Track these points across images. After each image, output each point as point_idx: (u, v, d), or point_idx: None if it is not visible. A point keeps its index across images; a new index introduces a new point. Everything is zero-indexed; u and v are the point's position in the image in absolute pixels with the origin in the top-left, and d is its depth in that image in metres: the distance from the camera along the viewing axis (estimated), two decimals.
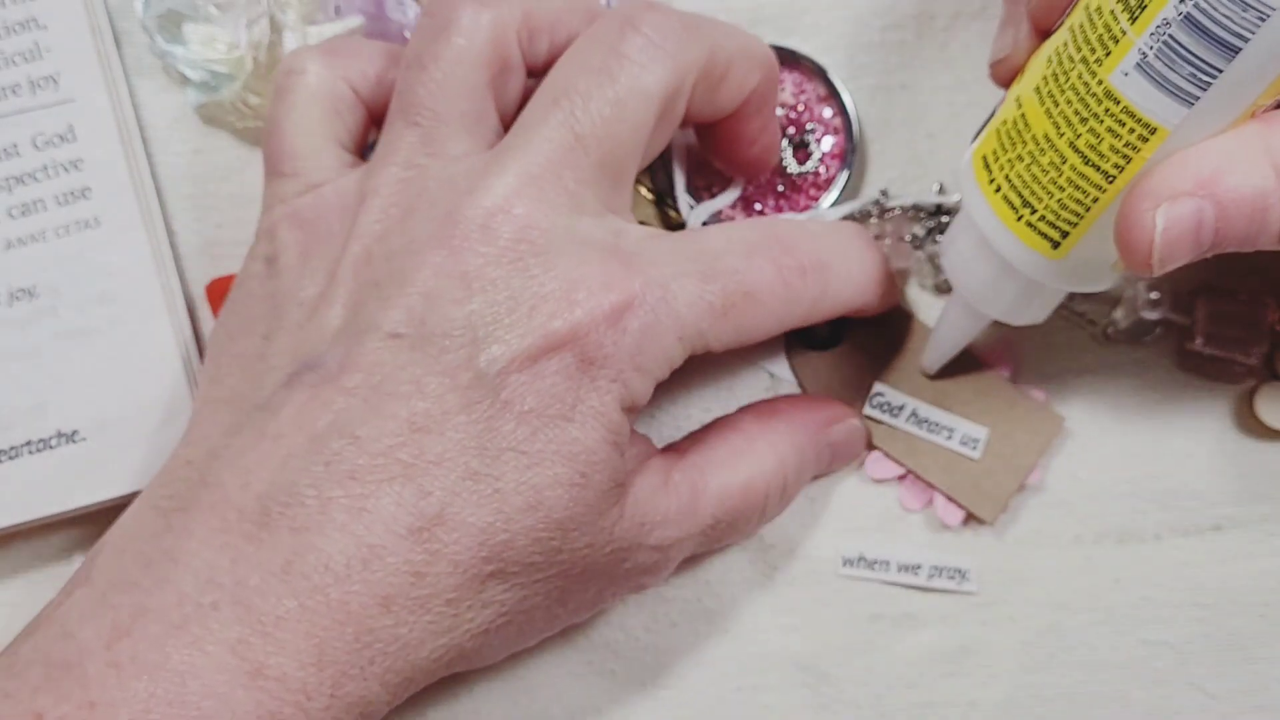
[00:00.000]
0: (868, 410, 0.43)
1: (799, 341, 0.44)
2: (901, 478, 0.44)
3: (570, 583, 0.35)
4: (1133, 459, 0.43)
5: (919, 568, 0.43)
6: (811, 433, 0.41)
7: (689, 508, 0.37)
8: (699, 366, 0.44)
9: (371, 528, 0.32)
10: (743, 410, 0.42)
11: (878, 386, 0.43)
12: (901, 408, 0.43)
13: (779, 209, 0.44)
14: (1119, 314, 0.44)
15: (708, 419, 0.43)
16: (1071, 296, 0.44)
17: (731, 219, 0.44)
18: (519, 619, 0.35)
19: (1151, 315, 0.44)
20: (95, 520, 0.43)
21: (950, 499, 0.43)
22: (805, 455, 0.41)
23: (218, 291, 0.44)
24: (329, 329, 0.34)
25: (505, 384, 0.33)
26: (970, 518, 0.43)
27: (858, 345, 0.44)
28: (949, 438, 0.43)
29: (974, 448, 0.43)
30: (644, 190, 0.44)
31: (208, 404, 0.36)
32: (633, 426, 0.36)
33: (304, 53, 0.39)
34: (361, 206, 0.36)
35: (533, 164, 0.34)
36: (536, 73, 0.38)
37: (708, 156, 0.43)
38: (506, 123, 0.37)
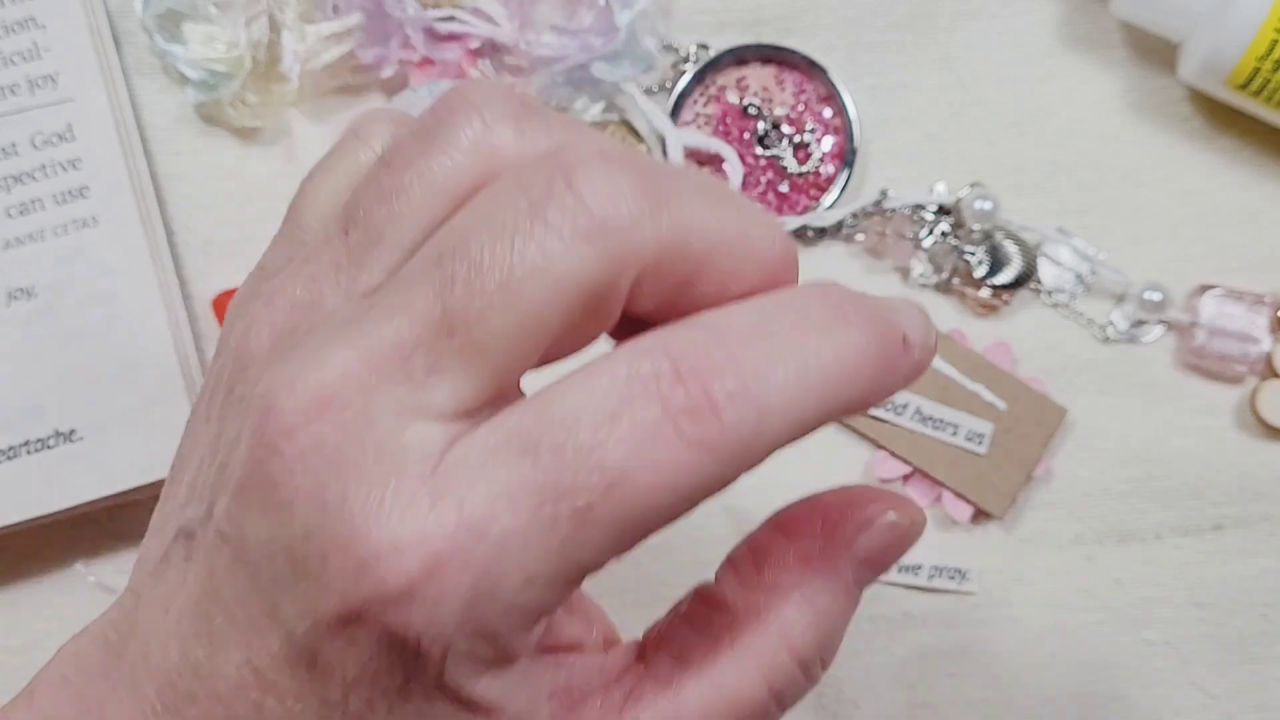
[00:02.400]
0: (870, 410, 0.43)
1: None
2: (907, 476, 0.44)
3: None
4: (1133, 459, 0.43)
5: (919, 568, 0.43)
6: (831, 564, 0.28)
7: None
8: None
9: None
10: (734, 557, 0.29)
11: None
12: (905, 406, 0.43)
13: (779, 209, 0.44)
14: (1119, 313, 0.44)
15: None
16: (1072, 296, 0.44)
17: None
18: None
19: (1151, 315, 0.44)
20: (94, 520, 0.43)
21: (959, 495, 0.43)
22: (829, 609, 0.28)
23: (223, 305, 0.44)
24: (203, 475, 0.28)
25: (316, 648, 0.26)
26: (979, 513, 0.43)
27: None
28: (954, 434, 0.43)
29: (980, 443, 0.43)
30: None
31: (160, 512, 0.30)
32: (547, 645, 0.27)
33: (379, 114, 0.31)
34: (249, 310, 0.28)
35: (382, 340, 0.25)
36: None
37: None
38: None
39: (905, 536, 0.29)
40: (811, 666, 0.28)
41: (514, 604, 0.25)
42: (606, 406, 0.24)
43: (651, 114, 0.44)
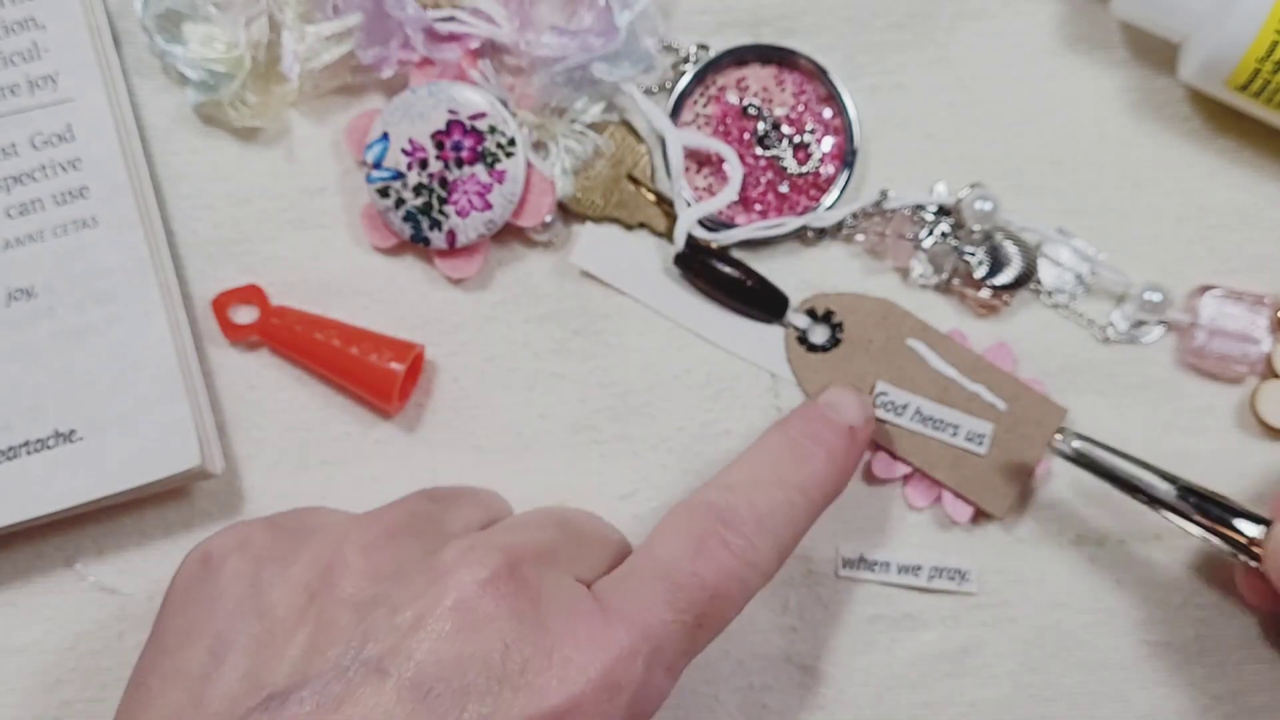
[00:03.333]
0: (874, 410, 0.43)
1: (799, 344, 0.44)
2: (907, 477, 0.44)
3: None
4: None
5: (919, 568, 0.43)
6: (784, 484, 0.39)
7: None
8: (701, 367, 0.44)
9: None
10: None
11: (880, 386, 0.43)
12: (905, 406, 0.43)
13: (779, 210, 0.44)
14: (1119, 314, 0.44)
15: (711, 426, 0.43)
16: (1072, 296, 0.44)
17: (730, 219, 0.44)
18: None
19: (1151, 316, 0.44)
20: (94, 519, 0.43)
21: (959, 496, 0.43)
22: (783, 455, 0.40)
23: (224, 305, 0.44)
24: (304, 657, 0.33)
25: None
26: (979, 514, 0.43)
27: (856, 344, 0.44)
28: (954, 434, 0.43)
29: (980, 443, 0.43)
30: (644, 190, 0.44)
31: None
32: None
33: None
34: (354, 523, 0.36)
35: (540, 539, 0.36)
36: None
37: None
38: None
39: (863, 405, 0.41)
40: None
41: (658, 690, 0.35)
42: (691, 548, 0.36)
43: (651, 114, 0.44)
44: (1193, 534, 0.39)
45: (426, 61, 0.43)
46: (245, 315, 0.44)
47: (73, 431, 0.41)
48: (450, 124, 0.43)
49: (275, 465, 0.44)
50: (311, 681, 0.32)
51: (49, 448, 0.41)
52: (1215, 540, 0.39)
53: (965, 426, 0.43)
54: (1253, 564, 0.39)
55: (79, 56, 0.43)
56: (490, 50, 0.44)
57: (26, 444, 0.41)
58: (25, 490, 0.41)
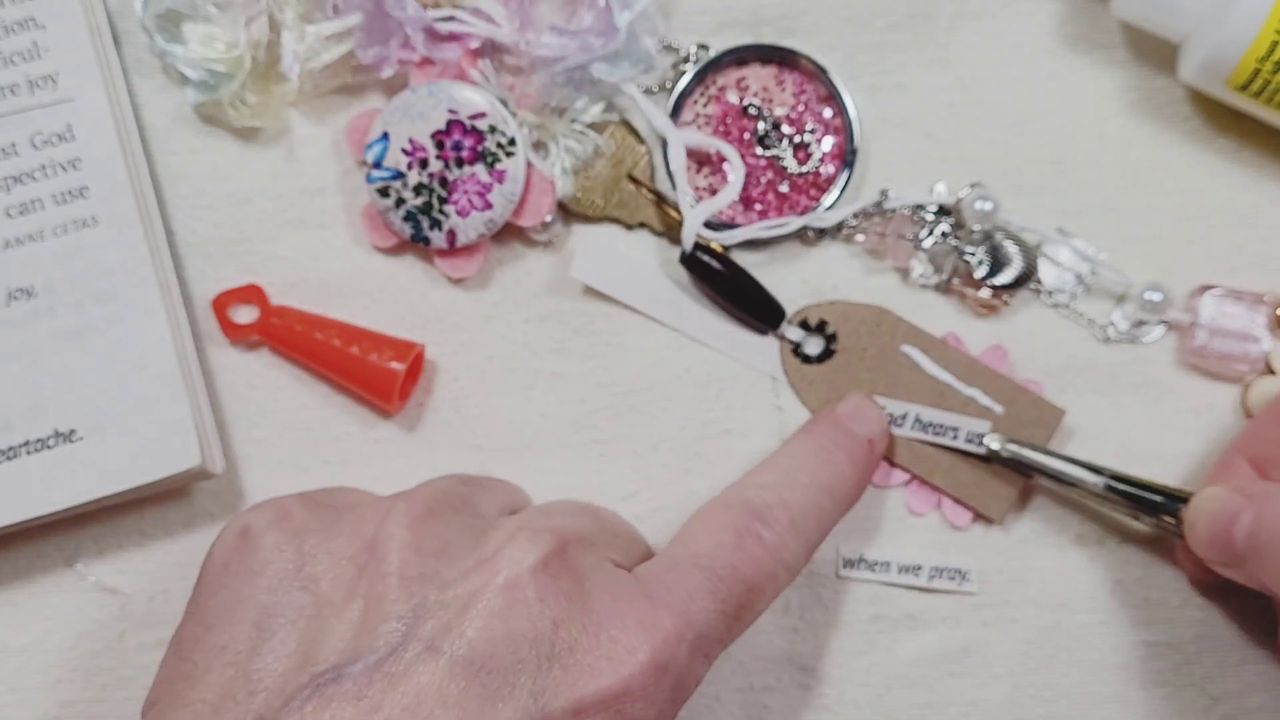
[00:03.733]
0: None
1: (794, 356, 0.44)
2: (906, 484, 0.44)
3: None
4: (1133, 459, 0.43)
5: (920, 569, 0.43)
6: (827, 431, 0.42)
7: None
8: (701, 367, 0.44)
9: None
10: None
11: (879, 401, 0.43)
12: (904, 416, 0.43)
13: (779, 209, 0.44)
14: (1119, 314, 0.44)
15: (711, 426, 0.43)
16: (1072, 296, 0.44)
17: (731, 219, 0.44)
18: None
19: (1152, 316, 0.44)
20: (94, 519, 0.43)
21: (958, 501, 0.43)
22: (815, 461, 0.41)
23: (224, 306, 0.44)
24: (357, 632, 0.33)
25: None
26: (978, 517, 0.43)
27: (851, 353, 0.44)
28: (954, 438, 0.43)
29: (978, 443, 0.43)
30: (645, 191, 0.44)
31: (185, 706, 0.33)
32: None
33: None
34: (395, 500, 0.36)
35: (579, 524, 0.37)
36: None
37: None
38: None
39: (877, 417, 0.43)
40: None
41: (696, 676, 0.36)
42: (730, 540, 0.37)
43: (652, 114, 0.44)
44: (1134, 522, 0.42)
45: (426, 61, 0.43)
46: (245, 315, 0.44)
47: (73, 431, 0.41)
48: (450, 124, 0.43)
49: (276, 465, 0.44)
50: (363, 658, 0.32)
51: (49, 448, 0.41)
52: (1150, 521, 0.41)
53: (964, 428, 0.43)
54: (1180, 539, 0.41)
55: (79, 56, 0.43)
56: (490, 50, 0.44)
57: (26, 444, 0.41)
58: (25, 490, 0.41)
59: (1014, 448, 0.42)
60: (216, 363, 0.44)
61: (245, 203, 0.44)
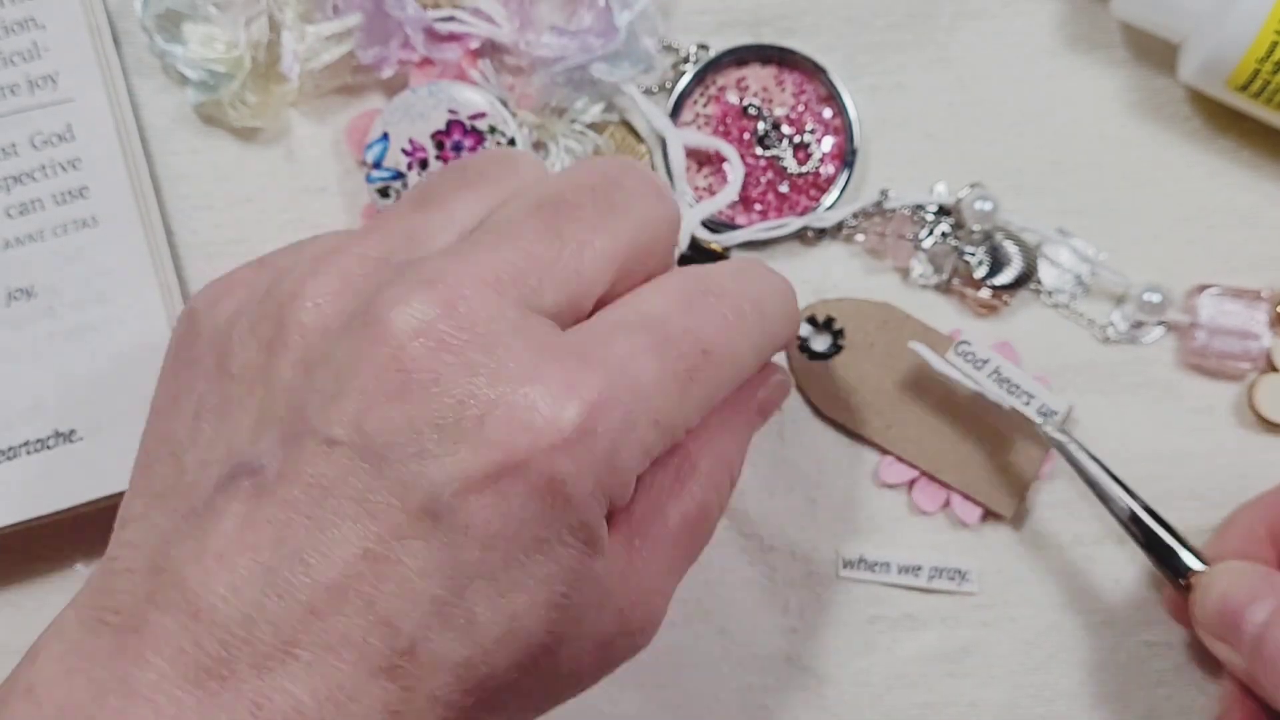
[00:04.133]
0: (950, 356, 0.42)
1: (800, 352, 0.44)
2: (914, 480, 0.44)
3: (559, 686, 0.33)
4: (1133, 459, 0.43)
5: (919, 569, 0.43)
6: (741, 407, 0.38)
7: (664, 568, 0.34)
8: None
9: (339, 667, 0.29)
10: None
11: (964, 336, 0.42)
12: (986, 362, 0.41)
13: (779, 210, 0.44)
14: (1118, 314, 0.44)
15: None
16: (1072, 296, 0.44)
17: (731, 219, 0.44)
18: None
19: (1151, 317, 0.44)
20: (94, 519, 0.43)
21: (966, 497, 0.43)
22: (741, 434, 0.38)
23: None
24: (264, 418, 0.31)
25: (463, 508, 0.29)
26: (988, 514, 0.43)
27: (858, 349, 0.44)
28: (1028, 403, 0.42)
29: (1049, 419, 0.41)
30: None
31: (139, 494, 0.32)
32: None
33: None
34: (317, 263, 0.32)
35: (499, 259, 0.31)
36: None
37: None
38: None
39: (786, 389, 0.40)
40: (735, 475, 0.37)
41: (643, 444, 0.31)
42: (683, 302, 0.33)
43: (651, 114, 0.44)
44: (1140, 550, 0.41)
45: (426, 61, 0.43)
46: None
47: (73, 431, 0.41)
48: (450, 124, 0.43)
49: None
50: (265, 451, 0.30)
51: (49, 448, 0.41)
52: (1157, 566, 0.40)
53: (1039, 398, 0.42)
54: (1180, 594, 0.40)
55: (79, 56, 0.43)
56: (490, 50, 0.44)
57: (27, 444, 0.41)
58: (25, 490, 0.41)
59: (1065, 439, 0.41)
60: None
61: (245, 202, 0.44)
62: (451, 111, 0.43)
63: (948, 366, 0.43)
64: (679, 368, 0.32)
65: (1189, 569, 0.39)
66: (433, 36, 0.43)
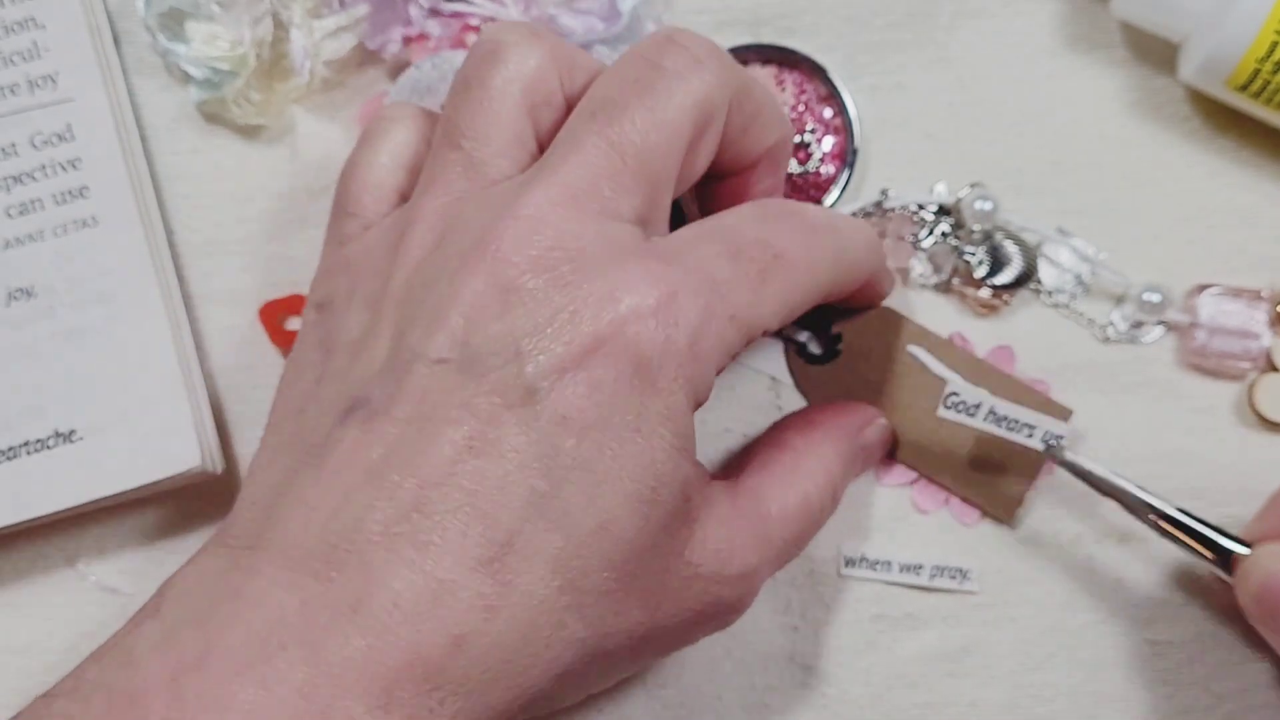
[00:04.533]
0: (941, 412, 0.42)
1: (799, 357, 0.44)
2: (914, 481, 0.44)
3: (652, 618, 0.34)
4: (1134, 459, 0.43)
5: (920, 568, 0.43)
6: (850, 438, 0.41)
7: (761, 533, 0.36)
8: None
9: (440, 561, 0.31)
10: (783, 426, 0.42)
11: (951, 386, 0.42)
12: (978, 407, 0.42)
13: None
14: (1118, 314, 0.44)
15: (710, 425, 0.43)
16: (1072, 296, 0.44)
17: None
18: (600, 660, 0.33)
19: (1151, 316, 0.44)
20: (95, 519, 0.43)
21: (966, 501, 0.43)
22: (848, 462, 0.40)
23: (271, 314, 0.44)
24: (375, 364, 0.34)
25: (559, 397, 0.32)
26: (986, 515, 0.43)
27: (856, 354, 0.44)
28: (1030, 435, 0.41)
29: (1055, 446, 0.41)
30: None
31: (267, 449, 0.36)
32: None
33: (398, 107, 0.40)
34: (402, 238, 0.35)
35: (569, 177, 0.34)
36: None
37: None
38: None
39: (887, 441, 0.43)
40: (838, 493, 0.40)
41: (721, 336, 0.33)
42: (758, 218, 0.36)
43: None
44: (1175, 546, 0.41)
45: (423, 36, 0.43)
46: (295, 323, 0.44)
47: (73, 431, 0.41)
48: None
49: None
50: (374, 386, 0.33)
51: (49, 448, 0.41)
52: (1202, 559, 0.40)
53: (1041, 428, 0.41)
54: (1227, 579, 0.40)
55: (79, 56, 0.43)
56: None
57: (26, 444, 0.41)
58: (25, 490, 0.41)
59: (1081, 461, 0.41)
60: (216, 363, 0.44)
61: (247, 202, 0.44)
62: None
63: (947, 371, 0.43)
64: (751, 269, 0.34)
65: (1232, 554, 0.39)
66: (435, 15, 0.43)
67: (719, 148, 0.37)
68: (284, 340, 0.44)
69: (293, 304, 0.44)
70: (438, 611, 0.30)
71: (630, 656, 0.35)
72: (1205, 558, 0.40)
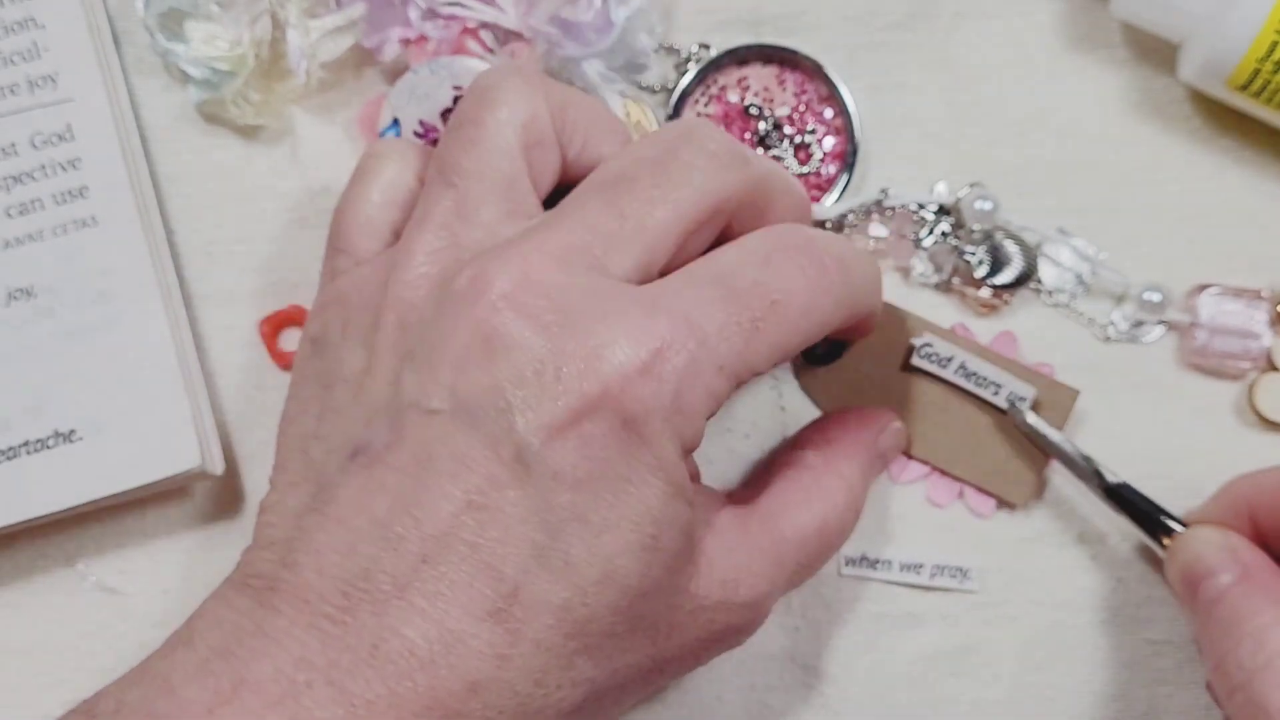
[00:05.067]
0: (915, 360, 0.43)
1: (802, 356, 0.44)
2: (927, 475, 0.44)
3: (661, 650, 0.35)
4: (1135, 458, 0.43)
5: (921, 567, 0.43)
6: (868, 449, 0.41)
7: (773, 558, 0.37)
8: None
9: (449, 612, 0.32)
10: (799, 443, 0.42)
11: (926, 337, 0.43)
12: (950, 359, 0.43)
13: None
14: (1119, 314, 0.44)
15: (712, 425, 0.43)
16: (1072, 296, 0.44)
17: None
18: (611, 693, 0.35)
19: (1151, 316, 0.44)
20: (96, 519, 0.43)
21: (980, 490, 0.43)
22: (868, 473, 0.41)
23: (271, 327, 0.44)
24: (373, 405, 0.34)
25: (550, 454, 0.32)
26: (1001, 505, 0.43)
27: (860, 352, 0.44)
28: (995, 393, 0.43)
29: (1018, 406, 0.43)
30: None
31: (276, 489, 0.36)
32: (692, 472, 0.36)
33: (389, 143, 0.40)
34: (393, 272, 0.36)
35: (564, 233, 0.34)
36: (566, 166, 0.38)
37: None
38: (541, 196, 0.37)
39: (903, 442, 0.43)
40: (859, 507, 0.40)
41: (708, 388, 0.34)
42: (759, 257, 0.35)
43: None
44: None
45: (422, 39, 0.43)
46: (292, 340, 0.44)
47: (73, 431, 0.41)
48: (457, 99, 0.43)
49: None
50: (375, 432, 0.34)
51: (49, 448, 0.41)
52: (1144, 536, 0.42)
53: (1008, 387, 0.43)
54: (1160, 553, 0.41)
55: (79, 56, 0.43)
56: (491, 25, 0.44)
57: (26, 444, 0.41)
58: (25, 490, 0.41)
59: (1039, 424, 0.42)
60: (217, 363, 0.44)
61: (247, 201, 0.44)
62: (456, 87, 0.43)
63: (955, 349, 0.43)
64: (744, 318, 0.34)
65: (1169, 532, 0.41)
66: (432, 17, 0.43)
67: (736, 228, 0.37)
68: (282, 358, 0.44)
69: (291, 315, 0.44)
70: (451, 660, 0.32)
71: (641, 686, 0.36)
72: (1146, 534, 0.41)
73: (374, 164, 0.39)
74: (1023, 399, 0.42)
